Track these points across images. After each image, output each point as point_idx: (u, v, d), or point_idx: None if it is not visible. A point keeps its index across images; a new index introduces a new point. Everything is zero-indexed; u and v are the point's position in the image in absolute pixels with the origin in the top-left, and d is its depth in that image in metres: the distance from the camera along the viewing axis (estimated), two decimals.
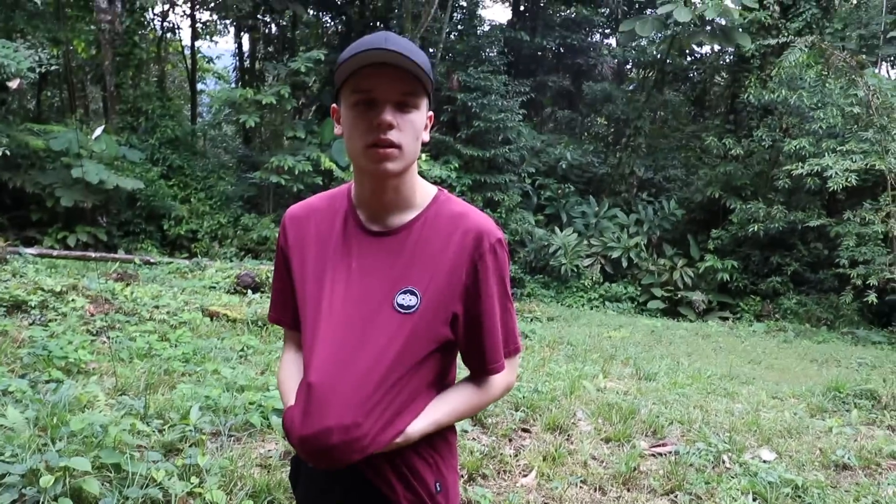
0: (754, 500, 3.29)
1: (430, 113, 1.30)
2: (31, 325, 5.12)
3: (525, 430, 4.05)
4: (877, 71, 14.94)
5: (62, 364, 4.20)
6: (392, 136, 1.20)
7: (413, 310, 1.25)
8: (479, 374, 1.37)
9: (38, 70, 12.66)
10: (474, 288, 1.27)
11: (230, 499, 2.76)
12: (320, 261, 1.32)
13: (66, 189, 12.89)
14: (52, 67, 13.97)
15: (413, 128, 1.23)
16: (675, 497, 3.30)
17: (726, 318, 13.79)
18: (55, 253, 10.96)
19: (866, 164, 11.34)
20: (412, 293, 1.25)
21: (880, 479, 3.68)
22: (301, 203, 1.42)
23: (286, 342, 1.52)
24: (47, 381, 3.84)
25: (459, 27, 18.69)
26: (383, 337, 1.24)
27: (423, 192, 1.33)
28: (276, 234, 13.54)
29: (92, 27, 16.44)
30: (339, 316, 1.27)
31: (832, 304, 13.31)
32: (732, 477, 3.53)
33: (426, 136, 1.29)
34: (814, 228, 13.73)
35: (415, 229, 1.29)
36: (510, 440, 3.88)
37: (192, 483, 2.73)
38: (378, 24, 19.27)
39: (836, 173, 11.38)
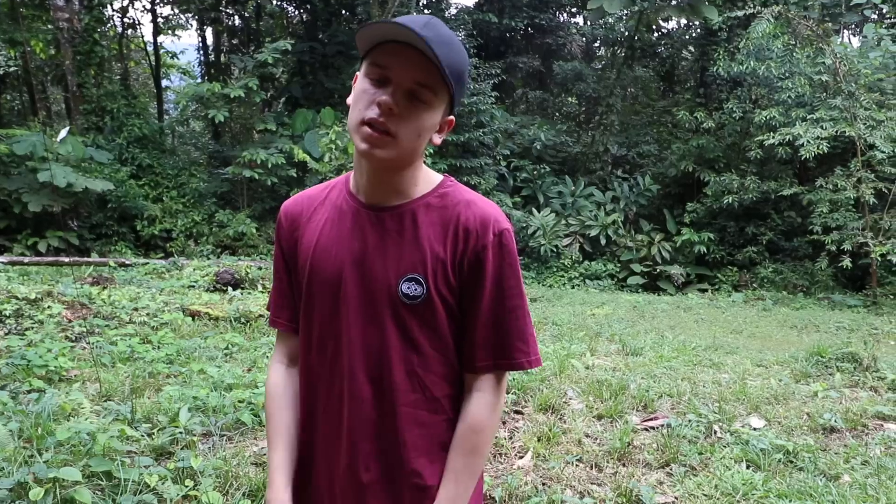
0: (748, 467, 3.33)
1: (451, 118, 1.21)
2: (6, 334, 5.00)
3: (518, 412, 4.06)
4: (840, 40, 15.12)
5: (43, 373, 4.11)
6: (390, 122, 1.11)
7: (419, 300, 1.17)
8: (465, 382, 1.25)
9: None
10: (473, 279, 1.18)
11: (227, 499, 2.72)
12: (319, 250, 1.24)
13: (33, 194, 12.58)
14: (11, 69, 13.57)
15: (418, 123, 1.13)
16: (671, 469, 3.33)
17: (705, 290, 13.95)
18: (26, 260, 10.70)
19: (836, 131, 11.48)
20: (417, 281, 1.17)
21: (867, 439, 3.75)
22: (296, 196, 1.35)
23: (277, 352, 1.37)
24: (28, 391, 3.75)
25: (426, 11, 18.52)
26: (390, 341, 1.19)
27: (426, 180, 1.24)
28: (253, 230, 13.52)
29: (49, 26, 15.99)
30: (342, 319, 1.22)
31: (807, 270, 13.54)
32: (725, 446, 3.57)
33: (438, 139, 1.20)
34: (787, 197, 13.91)
35: (416, 210, 1.21)
36: (503, 423, 3.88)
37: (186, 486, 2.69)
38: (344, 11, 19.02)
39: (808, 141, 11.51)
